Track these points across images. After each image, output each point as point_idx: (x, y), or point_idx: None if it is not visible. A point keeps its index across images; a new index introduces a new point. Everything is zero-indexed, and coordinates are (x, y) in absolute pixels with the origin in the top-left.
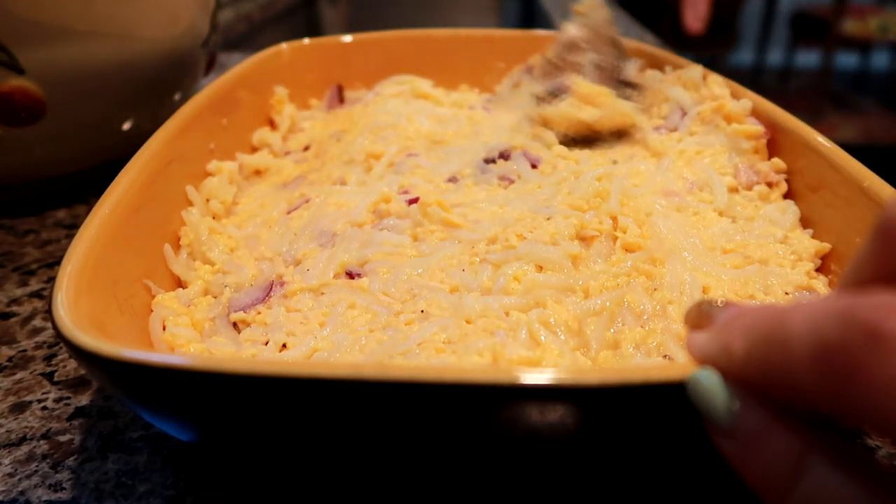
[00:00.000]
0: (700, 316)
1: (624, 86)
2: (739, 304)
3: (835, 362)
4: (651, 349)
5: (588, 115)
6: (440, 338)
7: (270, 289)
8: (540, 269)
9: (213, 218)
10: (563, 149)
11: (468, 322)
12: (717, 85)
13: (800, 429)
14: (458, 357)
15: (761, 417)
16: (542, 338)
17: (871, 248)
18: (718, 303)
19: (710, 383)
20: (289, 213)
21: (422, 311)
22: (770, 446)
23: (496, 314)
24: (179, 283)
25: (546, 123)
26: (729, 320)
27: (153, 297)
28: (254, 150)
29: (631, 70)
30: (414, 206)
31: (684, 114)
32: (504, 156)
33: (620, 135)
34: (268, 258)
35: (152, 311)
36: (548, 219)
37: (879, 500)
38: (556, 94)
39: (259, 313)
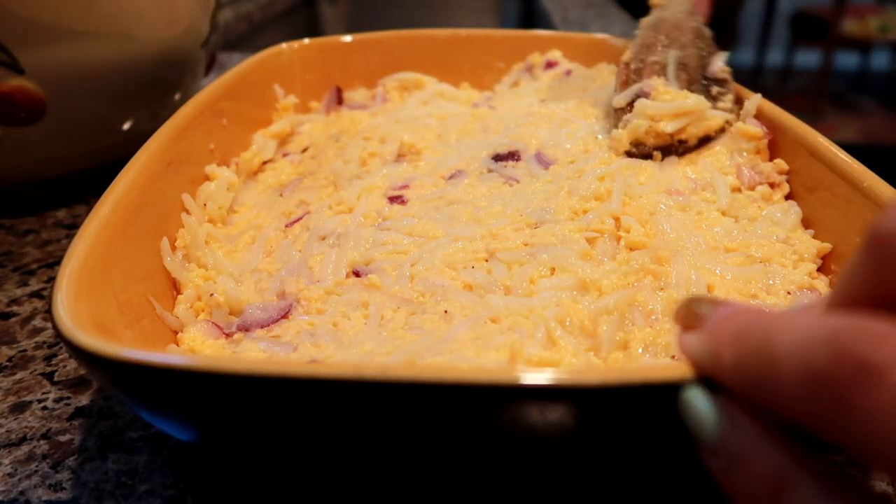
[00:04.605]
0: (689, 315)
1: (711, 83)
2: (728, 304)
3: (825, 391)
4: (659, 350)
5: (671, 126)
6: (468, 336)
7: (289, 310)
8: (552, 271)
9: (210, 222)
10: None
11: (494, 321)
12: None
13: (785, 448)
14: (476, 353)
15: (748, 436)
16: (559, 338)
17: (862, 262)
18: (707, 302)
19: (699, 402)
20: (287, 226)
21: (445, 312)
22: (755, 465)
23: (522, 314)
24: (175, 284)
25: (631, 140)
26: (718, 324)
27: (151, 303)
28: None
29: (718, 63)
30: (410, 202)
31: None
32: (513, 154)
33: (708, 139)
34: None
35: (155, 310)
36: (541, 225)
37: None
38: (635, 102)
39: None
